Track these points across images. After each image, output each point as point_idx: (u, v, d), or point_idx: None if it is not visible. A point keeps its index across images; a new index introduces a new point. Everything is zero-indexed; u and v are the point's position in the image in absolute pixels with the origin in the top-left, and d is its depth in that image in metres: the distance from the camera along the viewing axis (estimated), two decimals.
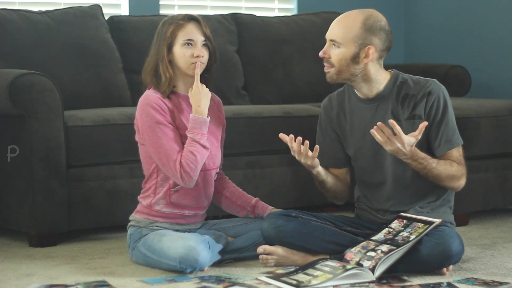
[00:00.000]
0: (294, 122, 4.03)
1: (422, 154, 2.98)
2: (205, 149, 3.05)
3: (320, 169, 3.09)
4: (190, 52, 3.10)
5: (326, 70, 3.09)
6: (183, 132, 3.10)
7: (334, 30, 3.04)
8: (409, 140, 2.90)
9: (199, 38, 3.12)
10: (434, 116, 3.04)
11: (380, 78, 3.08)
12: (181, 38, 3.10)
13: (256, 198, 3.31)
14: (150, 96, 3.11)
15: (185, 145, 3.05)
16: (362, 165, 3.15)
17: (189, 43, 3.10)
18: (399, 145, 2.89)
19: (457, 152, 3.06)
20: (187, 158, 3.02)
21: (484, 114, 3.95)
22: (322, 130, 3.24)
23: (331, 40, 3.05)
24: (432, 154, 3.05)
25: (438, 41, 5.36)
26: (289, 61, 4.71)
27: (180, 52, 3.10)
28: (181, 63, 3.11)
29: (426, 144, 3.07)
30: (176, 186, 3.11)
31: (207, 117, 3.07)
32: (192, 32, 3.11)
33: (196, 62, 3.09)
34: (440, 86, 3.07)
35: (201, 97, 3.07)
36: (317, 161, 3.04)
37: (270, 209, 3.27)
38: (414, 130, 2.98)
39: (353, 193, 3.29)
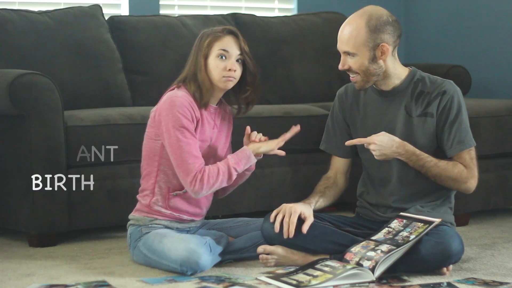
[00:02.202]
0: (294, 122, 3.99)
1: (417, 151, 3.01)
2: (229, 179, 3.05)
3: (312, 208, 3.10)
4: (223, 65, 3.06)
5: (353, 80, 3.09)
6: (200, 144, 3.09)
7: (343, 42, 3.04)
8: (379, 137, 2.97)
9: (234, 52, 3.08)
10: (446, 116, 3.05)
11: (398, 72, 3.09)
12: (216, 49, 3.07)
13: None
14: (181, 99, 3.04)
15: (220, 162, 3.06)
16: (369, 157, 3.15)
17: (223, 55, 3.07)
18: (376, 146, 2.96)
19: (467, 155, 3.06)
20: (212, 172, 3.01)
21: (484, 114, 3.95)
22: (333, 118, 3.26)
23: (345, 52, 3.04)
24: (444, 155, 3.06)
25: (438, 41, 5.36)
26: (289, 61, 4.72)
27: (213, 64, 3.07)
28: (213, 75, 3.07)
29: (436, 144, 3.08)
30: (175, 191, 3.11)
31: (255, 159, 3.12)
32: (228, 44, 3.08)
33: (228, 77, 3.07)
34: (455, 87, 3.09)
35: (264, 148, 3.12)
36: (309, 214, 3.04)
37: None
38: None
39: (352, 191, 3.30)
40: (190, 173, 3.00)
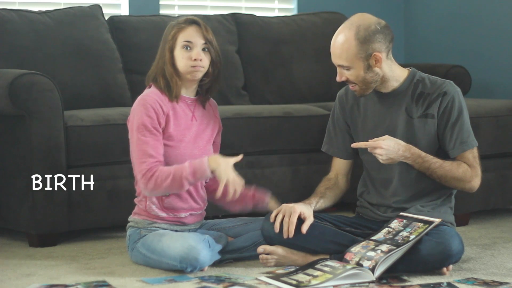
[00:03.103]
0: (294, 122, 4.04)
1: (422, 153, 3.00)
2: (180, 187, 3.00)
3: (313, 208, 3.10)
4: (188, 55, 3.08)
5: (352, 89, 3.10)
6: (172, 138, 3.09)
7: (336, 56, 3.04)
8: (386, 142, 2.94)
9: (199, 42, 3.09)
10: (448, 116, 3.05)
11: (396, 75, 3.09)
12: (180, 40, 3.09)
13: (252, 186, 3.30)
14: (147, 97, 3.09)
15: (176, 165, 3.02)
16: (370, 159, 3.15)
17: (187, 46, 3.08)
18: (383, 151, 2.94)
19: (470, 154, 3.06)
20: (162, 174, 3.00)
21: (484, 114, 3.95)
22: (334, 120, 3.26)
23: (339, 66, 3.05)
24: (446, 155, 3.06)
25: (438, 41, 5.36)
26: (289, 61, 4.71)
27: (179, 55, 3.09)
28: (180, 66, 3.09)
29: (437, 145, 3.08)
30: None
31: (210, 174, 3.00)
32: (192, 35, 3.09)
33: (195, 66, 3.08)
34: (456, 88, 3.09)
35: (225, 166, 2.99)
36: (308, 214, 3.04)
37: (268, 194, 3.26)
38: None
39: (352, 191, 3.30)
40: (141, 171, 3.01)
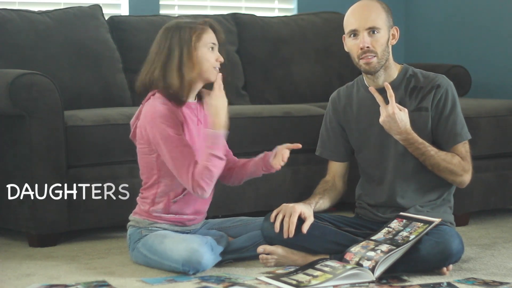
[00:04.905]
0: (294, 122, 4.04)
1: (419, 139, 3.01)
2: (221, 161, 2.98)
3: (313, 209, 3.10)
4: (214, 56, 3.07)
5: (369, 61, 3.03)
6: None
7: (368, 18, 3.02)
8: (400, 114, 2.94)
9: (217, 44, 3.10)
10: (442, 109, 3.06)
11: (393, 67, 3.11)
12: (206, 41, 3.06)
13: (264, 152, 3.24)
14: (159, 108, 3.02)
15: (201, 159, 2.98)
16: (366, 156, 3.15)
17: (213, 47, 3.07)
18: (390, 112, 2.93)
19: (462, 148, 3.08)
20: (202, 174, 2.95)
21: (484, 114, 3.95)
22: (327, 123, 3.26)
23: (369, 28, 3.02)
24: (439, 148, 3.06)
25: (438, 41, 5.36)
26: (289, 61, 4.72)
27: (203, 56, 3.05)
28: (205, 67, 3.05)
29: (432, 138, 3.08)
30: (175, 197, 3.10)
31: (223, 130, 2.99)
32: (214, 36, 3.09)
33: (216, 67, 3.07)
34: (448, 81, 3.11)
35: (219, 109, 2.98)
36: (309, 213, 3.03)
37: (277, 148, 3.20)
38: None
39: (351, 190, 3.30)
40: (188, 183, 2.97)
